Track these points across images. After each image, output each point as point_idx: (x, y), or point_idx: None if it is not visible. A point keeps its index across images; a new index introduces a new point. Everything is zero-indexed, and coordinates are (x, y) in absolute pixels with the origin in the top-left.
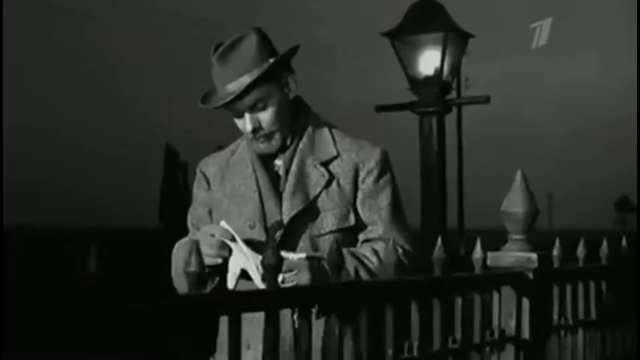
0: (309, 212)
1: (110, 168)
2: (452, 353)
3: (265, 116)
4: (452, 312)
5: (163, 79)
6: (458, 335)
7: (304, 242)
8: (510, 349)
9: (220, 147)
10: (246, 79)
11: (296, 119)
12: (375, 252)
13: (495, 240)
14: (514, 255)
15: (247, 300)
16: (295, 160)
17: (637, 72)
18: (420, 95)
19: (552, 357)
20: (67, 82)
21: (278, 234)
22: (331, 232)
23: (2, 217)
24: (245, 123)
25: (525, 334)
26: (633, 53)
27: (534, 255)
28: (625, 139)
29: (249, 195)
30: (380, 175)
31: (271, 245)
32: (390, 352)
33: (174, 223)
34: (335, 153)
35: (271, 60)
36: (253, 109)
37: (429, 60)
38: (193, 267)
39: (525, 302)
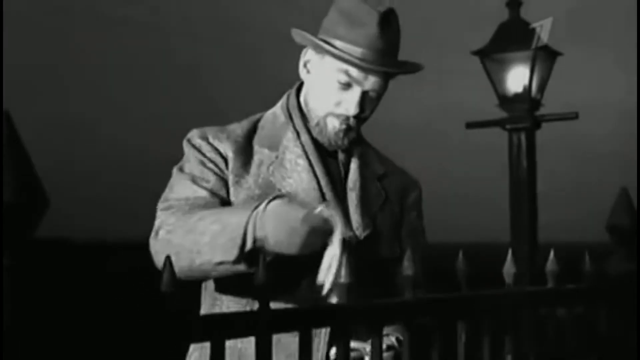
0: (371, 232)
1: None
2: None
3: (373, 106)
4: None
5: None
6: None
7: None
8: None
9: None
10: (395, 60)
11: None
12: None
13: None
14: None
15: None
16: (354, 167)
17: (637, 73)
18: (510, 112)
19: None
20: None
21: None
22: (383, 261)
23: (1, 226)
24: (354, 100)
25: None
26: None
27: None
28: None
29: (306, 195)
30: (420, 214)
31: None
32: None
33: None
34: (383, 171)
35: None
36: (370, 92)
37: (517, 78)
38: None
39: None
